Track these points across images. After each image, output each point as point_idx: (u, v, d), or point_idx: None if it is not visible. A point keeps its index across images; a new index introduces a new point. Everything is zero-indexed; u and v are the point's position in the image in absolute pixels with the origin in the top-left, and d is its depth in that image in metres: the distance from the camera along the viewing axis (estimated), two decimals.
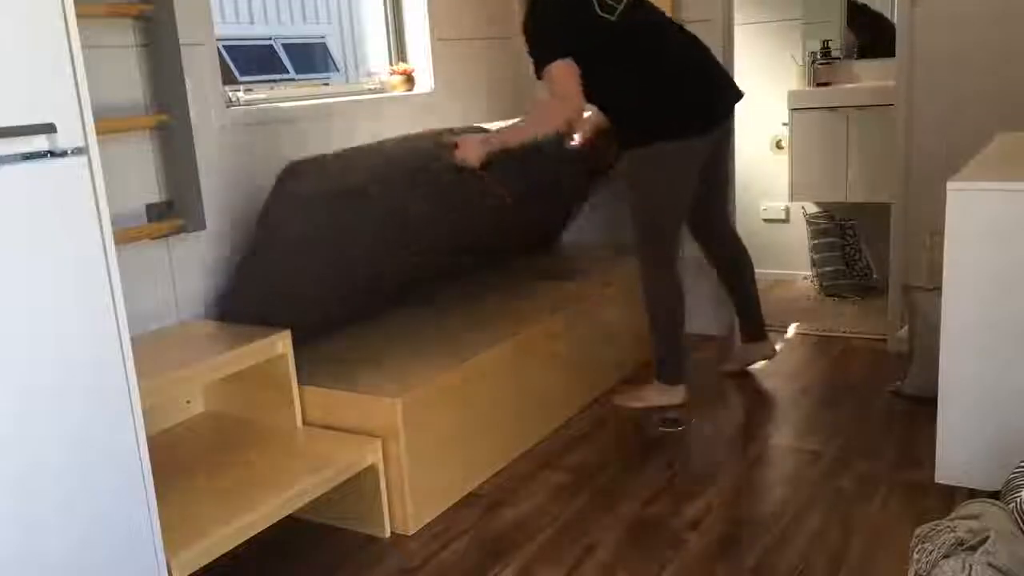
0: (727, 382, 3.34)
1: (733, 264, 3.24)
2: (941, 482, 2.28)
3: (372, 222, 2.50)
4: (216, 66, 2.63)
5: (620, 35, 2.76)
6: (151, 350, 2.29)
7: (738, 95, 2.96)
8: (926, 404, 2.55)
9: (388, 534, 2.37)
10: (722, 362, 3.45)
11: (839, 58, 4.36)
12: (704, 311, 3.83)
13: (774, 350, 3.37)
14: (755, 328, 3.30)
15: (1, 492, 1.48)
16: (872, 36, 4.32)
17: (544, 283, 3.35)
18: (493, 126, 2.92)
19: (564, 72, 2.69)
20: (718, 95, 2.92)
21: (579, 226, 3.99)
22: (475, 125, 3.01)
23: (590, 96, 2.76)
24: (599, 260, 3.67)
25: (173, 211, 2.50)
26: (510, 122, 2.88)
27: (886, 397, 3.02)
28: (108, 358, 1.63)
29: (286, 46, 6.67)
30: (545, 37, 2.73)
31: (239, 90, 2.85)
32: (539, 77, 2.74)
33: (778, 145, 4.48)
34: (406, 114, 3.36)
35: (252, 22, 6.85)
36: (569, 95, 2.70)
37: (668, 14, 3.64)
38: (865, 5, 4.34)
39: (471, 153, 2.68)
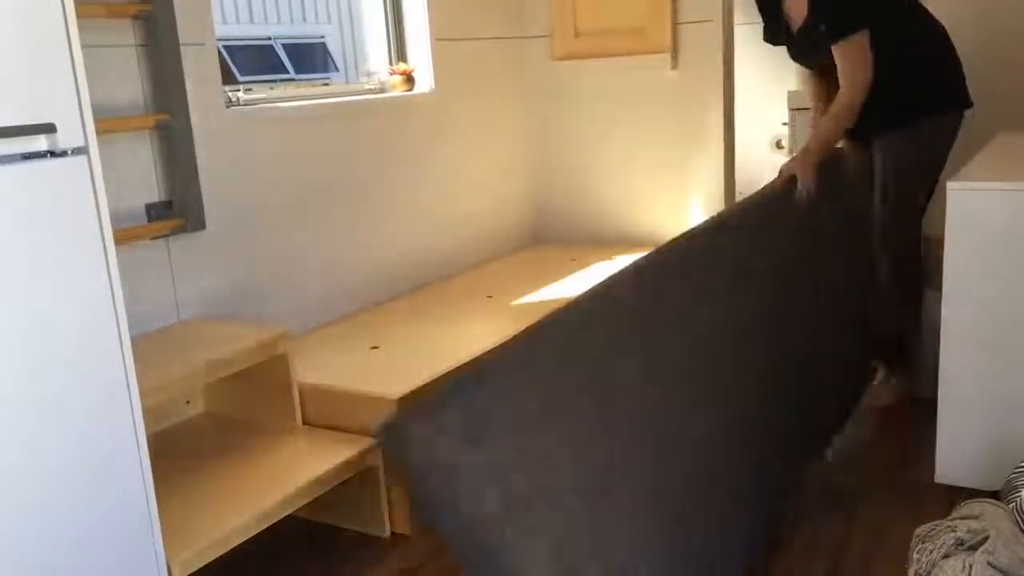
0: None
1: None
2: (941, 482, 2.27)
3: None
4: (216, 66, 2.62)
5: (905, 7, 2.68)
6: (151, 350, 2.28)
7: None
8: (926, 404, 2.55)
9: (388, 534, 2.37)
10: None
11: None
12: None
13: None
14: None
15: (1, 492, 1.48)
16: None
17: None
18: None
19: (865, 46, 2.55)
20: (963, 74, 2.80)
21: (576, 225, 4.00)
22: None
23: (876, 69, 2.61)
24: (600, 260, 3.67)
25: (173, 211, 2.50)
26: (816, 129, 2.70)
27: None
28: (108, 358, 1.63)
29: (286, 46, 6.67)
30: (849, 2, 2.59)
31: (239, 90, 2.85)
32: (825, 51, 2.59)
33: (778, 145, 4.48)
34: (406, 114, 3.37)
35: (252, 22, 6.85)
36: (861, 67, 2.55)
37: (666, 15, 3.64)
38: None
39: (808, 174, 2.52)
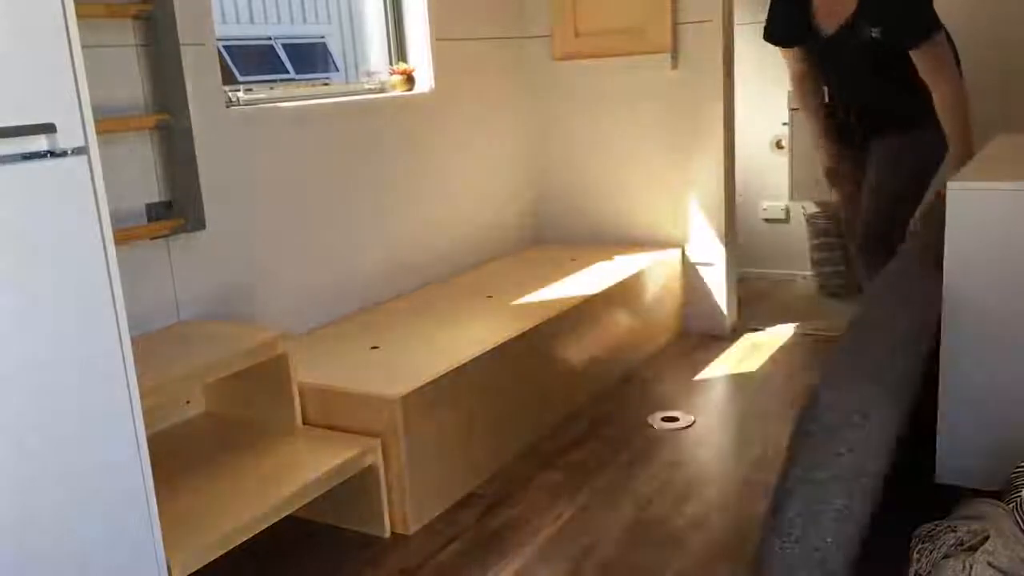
0: (729, 382, 3.34)
1: None
2: (941, 482, 2.27)
3: None
4: (216, 66, 2.62)
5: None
6: (151, 350, 2.28)
7: None
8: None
9: (388, 534, 2.37)
10: None
11: None
12: (706, 311, 3.83)
13: None
14: None
15: (0, 492, 1.48)
16: None
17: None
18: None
19: (942, 42, 2.60)
20: None
21: (576, 225, 4.00)
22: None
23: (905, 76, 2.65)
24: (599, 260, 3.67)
25: (173, 211, 2.50)
26: (955, 140, 2.69)
27: None
28: (108, 358, 1.63)
29: (286, 46, 6.67)
30: (924, 3, 2.60)
31: (239, 90, 2.85)
32: (911, 48, 2.60)
33: (778, 145, 4.48)
34: (406, 114, 3.36)
35: (252, 22, 6.85)
36: (949, 64, 2.59)
37: (666, 15, 3.64)
38: None
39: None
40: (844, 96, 2.88)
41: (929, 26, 2.60)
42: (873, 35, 2.62)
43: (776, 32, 2.86)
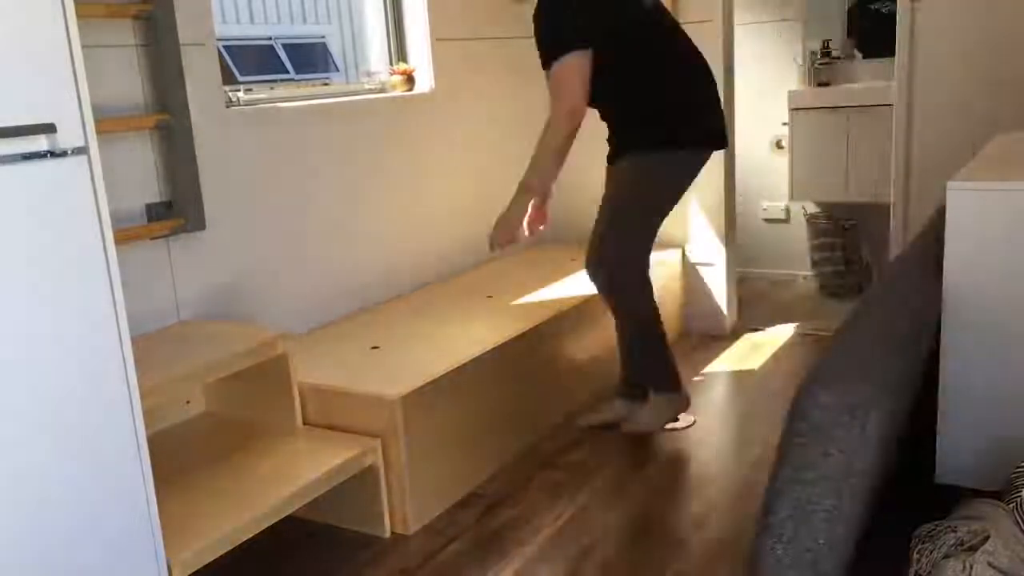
0: (729, 382, 3.34)
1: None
2: (941, 482, 2.27)
3: None
4: (216, 66, 2.62)
5: (650, 26, 2.61)
6: (151, 350, 2.28)
7: (726, 138, 2.81)
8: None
9: (388, 534, 2.37)
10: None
11: (839, 58, 4.36)
12: (706, 311, 3.83)
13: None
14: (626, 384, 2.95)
15: (0, 492, 1.48)
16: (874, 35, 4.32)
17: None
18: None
19: (575, 68, 2.49)
20: (721, 122, 2.79)
21: (576, 225, 4.00)
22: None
23: (605, 92, 2.59)
24: None
25: (173, 211, 2.50)
26: (531, 163, 2.72)
27: None
28: (108, 358, 1.63)
29: (286, 46, 6.68)
30: (563, 20, 2.50)
31: (239, 90, 2.85)
32: (546, 69, 2.55)
33: (778, 145, 4.48)
34: (406, 114, 3.36)
35: (252, 22, 6.85)
36: (567, 89, 2.50)
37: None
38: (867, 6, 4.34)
39: (504, 234, 2.68)
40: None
41: (549, 49, 2.51)
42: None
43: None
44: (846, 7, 4.37)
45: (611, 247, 2.72)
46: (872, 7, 4.31)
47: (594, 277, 2.76)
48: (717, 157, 3.66)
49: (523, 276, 3.49)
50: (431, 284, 3.47)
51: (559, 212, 4.07)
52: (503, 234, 2.73)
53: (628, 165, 2.72)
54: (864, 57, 4.36)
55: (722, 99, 3.58)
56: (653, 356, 2.82)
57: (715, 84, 2.75)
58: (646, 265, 2.75)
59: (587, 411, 3.01)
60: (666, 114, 2.66)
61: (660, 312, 2.80)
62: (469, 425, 2.58)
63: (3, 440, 1.48)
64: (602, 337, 3.28)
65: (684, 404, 2.88)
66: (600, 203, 2.80)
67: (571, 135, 2.62)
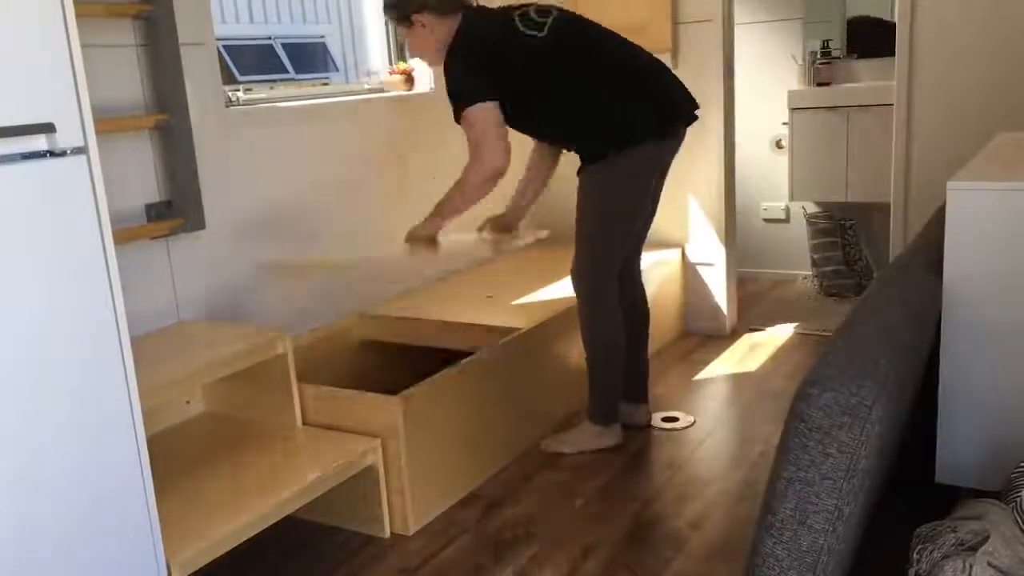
0: (729, 382, 3.34)
1: (632, 312, 2.84)
2: (941, 482, 2.27)
3: None
4: (216, 66, 2.62)
5: (552, 52, 2.55)
6: (151, 350, 2.28)
7: (693, 113, 2.70)
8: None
9: (388, 534, 2.37)
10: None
11: (839, 58, 4.36)
12: (706, 311, 3.83)
13: (649, 415, 2.97)
14: (638, 387, 2.95)
15: (0, 493, 1.48)
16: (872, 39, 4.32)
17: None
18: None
19: (482, 118, 2.46)
20: (670, 101, 2.65)
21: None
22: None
23: (535, 129, 2.63)
24: None
25: (173, 211, 2.50)
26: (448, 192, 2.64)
27: None
28: (108, 358, 1.63)
29: (286, 46, 6.68)
30: (464, 74, 2.49)
31: (239, 90, 2.85)
32: (457, 121, 2.51)
33: (778, 145, 4.48)
34: (406, 114, 3.36)
35: (252, 22, 6.85)
36: (487, 146, 2.47)
37: (666, 15, 3.65)
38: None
39: (413, 247, 2.65)
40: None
41: (456, 101, 2.49)
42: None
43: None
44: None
45: (577, 264, 2.71)
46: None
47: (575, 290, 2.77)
48: (717, 157, 3.67)
49: (523, 276, 3.49)
50: (431, 283, 3.47)
51: (559, 212, 4.07)
52: (412, 247, 2.68)
53: (583, 178, 2.65)
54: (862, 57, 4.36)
55: (723, 98, 3.60)
56: (599, 383, 2.77)
57: (655, 66, 2.64)
58: (611, 288, 2.69)
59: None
60: (604, 124, 2.58)
61: (618, 342, 2.74)
62: (469, 425, 2.58)
63: (2, 440, 1.48)
64: None
65: (613, 440, 2.80)
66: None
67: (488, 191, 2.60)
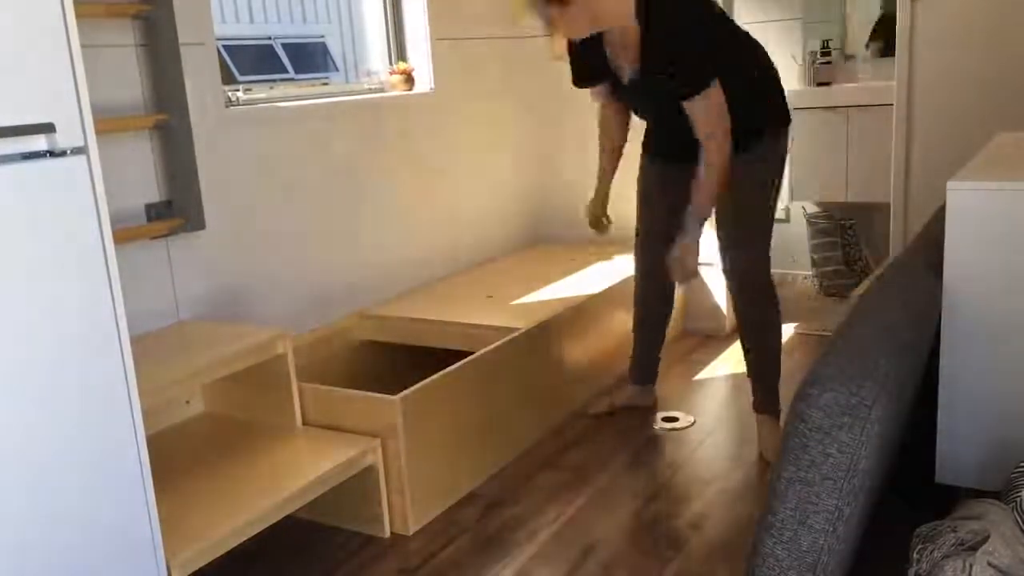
0: (729, 382, 3.34)
1: (666, 303, 2.99)
2: (941, 482, 2.27)
3: None
4: (216, 66, 2.62)
5: (734, 27, 2.69)
6: (151, 350, 2.28)
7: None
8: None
9: (388, 534, 2.37)
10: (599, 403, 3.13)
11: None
12: (706, 311, 3.83)
13: (655, 398, 3.15)
14: (656, 372, 3.12)
15: None
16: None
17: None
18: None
19: (718, 92, 2.43)
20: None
21: (576, 225, 3.99)
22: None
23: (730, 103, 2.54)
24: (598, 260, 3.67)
25: (172, 211, 2.50)
26: (696, 196, 2.55)
27: None
28: (108, 358, 1.63)
29: (286, 46, 6.67)
30: (707, 50, 2.44)
31: (239, 90, 2.85)
32: (685, 99, 2.44)
33: None
34: (406, 114, 3.36)
35: (252, 22, 6.85)
36: (726, 119, 2.45)
37: None
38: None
39: (689, 266, 2.56)
40: (661, 133, 2.82)
41: (697, 83, 2.43)
42: (659, 81, 2.50)
43: (580, 78, 2.76)
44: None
45: (752, 257, 2.67)
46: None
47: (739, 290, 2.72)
48: None
49: (523, 276, 3.49)
50: (431, 283, 3.47)
51: (560, 212, 4.08)
52: (682, 273, 2.60)
53: (748, 169, 2.60)
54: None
55: None
56: (776, 373, 2.79)
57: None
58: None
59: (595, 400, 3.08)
60: (770, 98, 2.68)
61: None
62: (469, 425, 2.58)
63: (2, 440, 1.48)
64: (602, 337, 3.28)
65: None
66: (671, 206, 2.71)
67: None
